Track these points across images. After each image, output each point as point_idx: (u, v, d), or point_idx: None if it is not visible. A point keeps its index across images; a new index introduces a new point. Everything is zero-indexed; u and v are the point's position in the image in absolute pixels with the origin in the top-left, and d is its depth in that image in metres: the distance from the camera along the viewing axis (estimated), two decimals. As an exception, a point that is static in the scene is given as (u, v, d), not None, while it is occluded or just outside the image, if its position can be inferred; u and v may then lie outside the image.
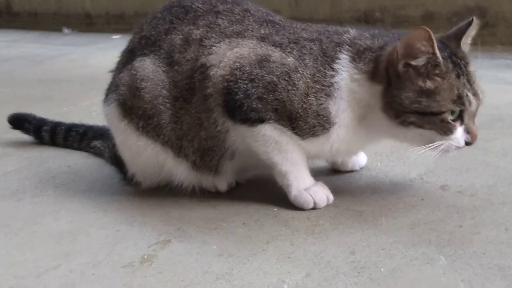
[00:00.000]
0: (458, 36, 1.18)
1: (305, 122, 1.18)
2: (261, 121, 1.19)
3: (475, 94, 1.14)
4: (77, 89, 2.53)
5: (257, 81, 1.18)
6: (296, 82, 1.17)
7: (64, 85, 2.64)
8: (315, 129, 1.18)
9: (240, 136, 1.23)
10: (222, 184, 1.35)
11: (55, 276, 1.07)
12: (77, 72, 2.91)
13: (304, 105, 1.17)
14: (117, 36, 3.89)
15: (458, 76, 1.12)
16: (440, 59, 1.11)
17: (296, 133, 1.19)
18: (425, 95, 1.11)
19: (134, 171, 1.37)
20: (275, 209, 1.26)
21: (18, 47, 3.87)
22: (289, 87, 1.17)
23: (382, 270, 1.01)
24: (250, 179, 1.41)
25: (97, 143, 1.60)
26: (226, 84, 1.20)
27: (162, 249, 1.14)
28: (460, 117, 1.13)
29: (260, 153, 1.22)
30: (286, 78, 1.17)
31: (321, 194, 1.25)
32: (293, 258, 1.07)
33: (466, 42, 1.19)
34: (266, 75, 1.18)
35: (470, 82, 1.14)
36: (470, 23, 1.16)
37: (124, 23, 4.10)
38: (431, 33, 1.08)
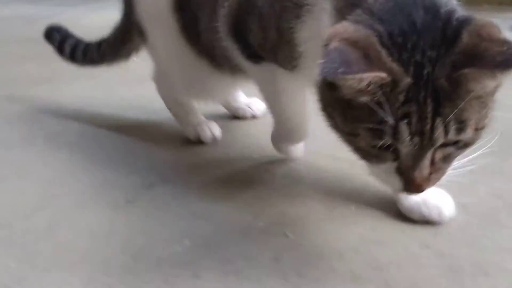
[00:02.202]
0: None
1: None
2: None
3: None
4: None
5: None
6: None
7: (56, 43, 2.65)
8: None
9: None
10: None
11: (42, 216, 1.12)
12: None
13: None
14: (110, -4, 3.88)
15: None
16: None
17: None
18: None
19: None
20: (256, 157, 1.31)
21: (11, 8, 3.86)
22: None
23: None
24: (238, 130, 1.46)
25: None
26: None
27: (146, 192, 1.19)
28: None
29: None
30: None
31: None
32: (266, 199, 1.12)
33: None
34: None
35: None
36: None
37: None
38: None
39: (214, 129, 1.43)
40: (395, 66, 0.72)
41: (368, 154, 0.80)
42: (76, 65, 1.65)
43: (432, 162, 0.77)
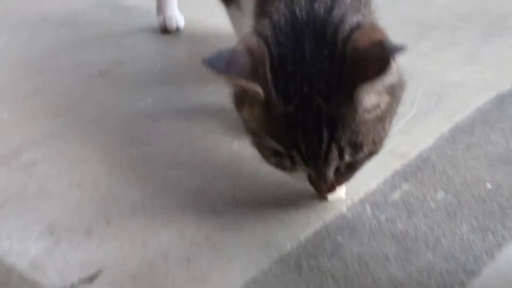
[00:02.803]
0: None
1: None
2: None
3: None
4: None
5: None
6: None
7: None
8: None
9: None
10: None
11: (29, 83, 1.34)
12: None
13: None
14: None
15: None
16: None
17: None
18: None
19: None
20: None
21: None
22: None
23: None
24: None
25: None
26: None
27: (116, 67, 1.41)
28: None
29: None
30: None
31: None
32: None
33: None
34: None
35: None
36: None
37: None
38: None
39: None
40: (273, 92, 0.74)
41: (277, 165, 0.81)
42: None
43: (338, 171, 0.79)
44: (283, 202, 0.90)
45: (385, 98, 0.77)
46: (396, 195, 0.89)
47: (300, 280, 0.75)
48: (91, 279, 0.77)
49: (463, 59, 1.32)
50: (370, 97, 0.75)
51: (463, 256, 0.77)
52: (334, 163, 0.77)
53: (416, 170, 0.95)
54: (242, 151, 1.02)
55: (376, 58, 0.69)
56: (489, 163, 0.95)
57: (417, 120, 1.06)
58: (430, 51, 1.38)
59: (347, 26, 0.75)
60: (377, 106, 0.76)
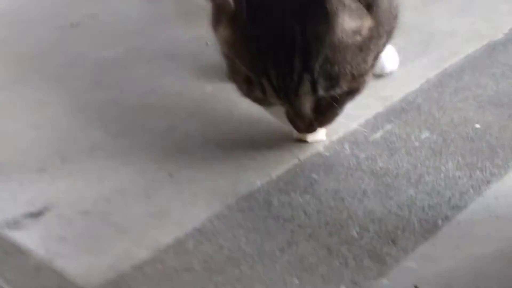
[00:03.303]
0: None
1: None
2: None
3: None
4: None
5: None
6: None
7: None
8: None
9: None
10: None
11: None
12: None
13: None
14: None
15: None
16: None
17: None
18: None
19: None
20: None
21: None
22: None
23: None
24: None
25: None
26: None
27: (89, 19, 1.34)
28: None
29: None
30: None
31: None
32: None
33: None
34: None
35: None
36: None
37: None
38: None
39: None
40: (243, 6, 0.68)
41: (249, 95, 0.75)
42: None
43: (316, 109, 0.72)
44: (257, 143, 0.83)
45: (367, 23, 0.69)
46: (377, 135, 0.83)
47: (269, 216, 0.69)
48: (37, 214, 0.71)
49: (453, 11, 1.25)
50: (349, 18, 0.67)
51: (448, 192, 0.71)
52: (307, 97, 0.70)
53: (400, 111, 0.88)
54: (216, 95, 0.96)
55: None
56: (478, 104, 0.89)
57: (403, 66, 1.00)
58: (419, 5, 1.31)
59: None
60: (357, 31, 0.68)
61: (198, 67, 1.07)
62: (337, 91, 0.69)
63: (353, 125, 0.85)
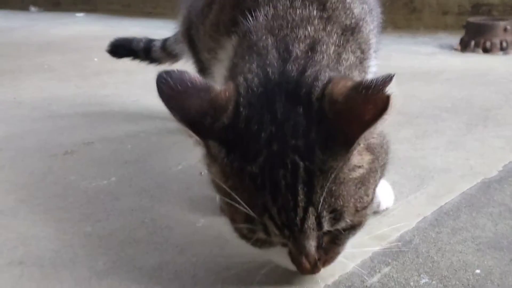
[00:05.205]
0: None
1: None
2: None
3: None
4: (33, 50, 2.72)
5: None
6: None
7: (22, 47, 2.82)
8: None
9: None
10: None
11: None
12: (37, 39, 3.09)
13: None
14: (80, 14, 4.07)
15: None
16: None
17: None
18: None
19: None
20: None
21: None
22: None
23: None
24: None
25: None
26: None
27: (84, 147, 1.34)
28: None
29: None
30: None
31: None
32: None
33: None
34: None
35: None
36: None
37: (89, 4, 4.28)
38: None
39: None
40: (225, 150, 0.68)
41: (248, 237, 0.71)
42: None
43: (319, 247, 0.70)
44: (247, 284, 0.79)
45: (367, 157, 0.69)
46: (375, 279, 0.80)
47: None
48: None
49: (446, 146, 1.27)
50: (356, 154, 0.67)
51: None
52: (313, 233, 0.67)
53: (398, 252, 0.85)
54: (207, 230, 0.93)
55: (367, 99, 0.63)
56: (477, 247, 0.86)
57: (398, 202, 0.99)
58: (413, 138, 1.32)
59: (320, 84, 0.69)
60: (359, 166, 0.68)
61: (190, 200, 1.05)
62: (341, 225, 0.67)
63: (349, 267, 0.81)
